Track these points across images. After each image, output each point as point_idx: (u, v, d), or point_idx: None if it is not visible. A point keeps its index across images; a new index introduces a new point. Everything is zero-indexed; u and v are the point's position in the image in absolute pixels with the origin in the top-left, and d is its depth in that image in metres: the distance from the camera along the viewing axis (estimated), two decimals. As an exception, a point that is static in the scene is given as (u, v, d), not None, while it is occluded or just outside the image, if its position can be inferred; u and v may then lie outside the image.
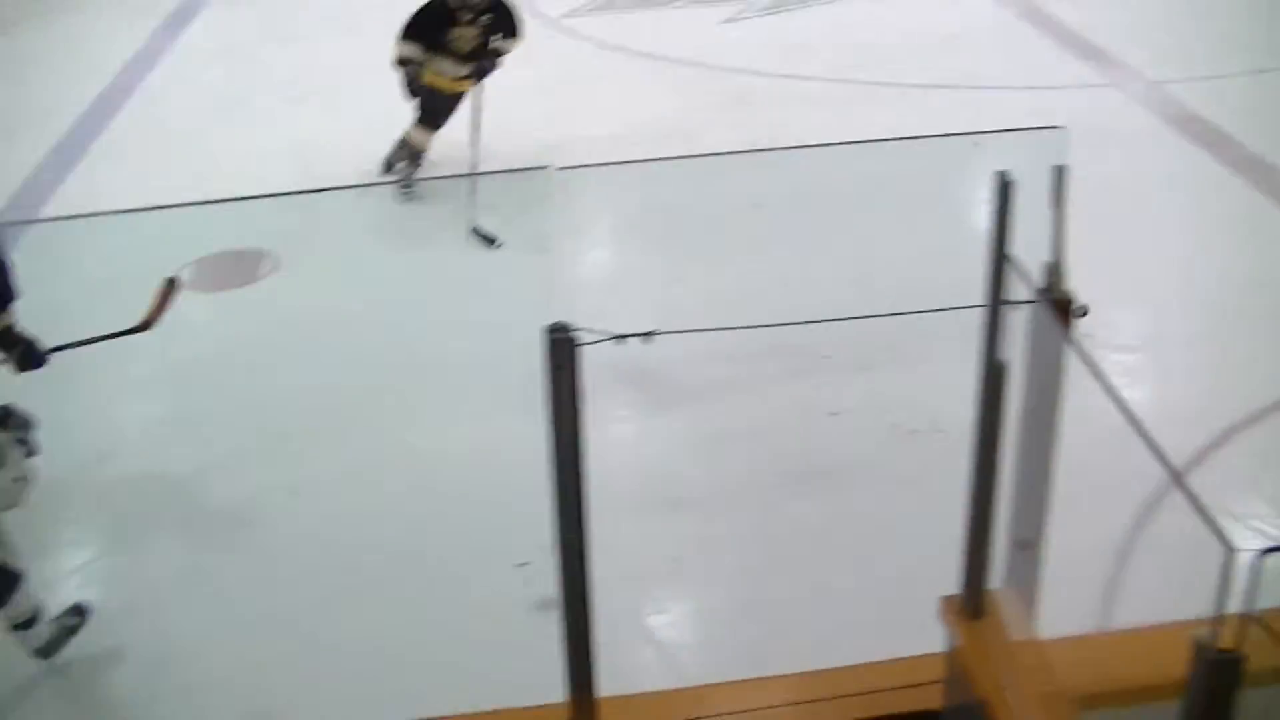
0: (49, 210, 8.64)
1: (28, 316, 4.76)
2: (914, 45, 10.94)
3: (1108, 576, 4.74)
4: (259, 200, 7.76)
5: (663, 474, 5.45)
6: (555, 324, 3.30)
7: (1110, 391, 2.66)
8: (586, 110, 9.83)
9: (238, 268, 7.53)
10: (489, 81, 7.73)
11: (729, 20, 11.65)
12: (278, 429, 5.94)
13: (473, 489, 5.36)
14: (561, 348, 2.94)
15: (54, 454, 4.53)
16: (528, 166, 3.36)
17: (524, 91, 10.15)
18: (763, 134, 8.59)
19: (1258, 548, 2.19)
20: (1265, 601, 2.23)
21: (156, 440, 6.07)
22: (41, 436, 4.30)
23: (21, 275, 4.65)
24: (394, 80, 7.68)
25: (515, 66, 10.78)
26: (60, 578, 5.02)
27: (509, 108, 9.87)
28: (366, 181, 7.87)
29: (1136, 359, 6.32)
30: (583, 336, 3.23)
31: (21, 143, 9.78)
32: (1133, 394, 5.97)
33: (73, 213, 8.25)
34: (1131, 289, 6.96)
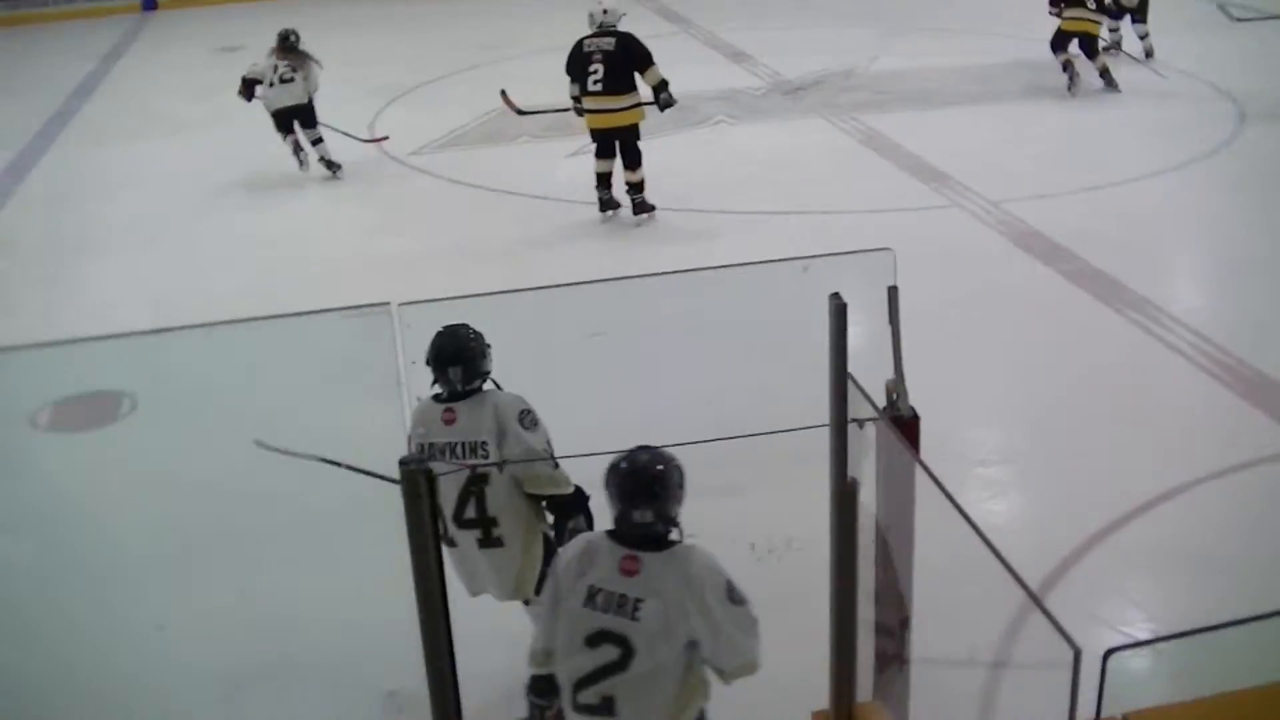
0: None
1: None
2: (764, 173, 11.16)
3: (976, 687, 4.68)
4: (113, 340, 7.61)
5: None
6: (408, 457, 3.25)
7: (953, 501, 2.61)
8: (432, 244, 9.91)
9: (96, 409, 7.47)
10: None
11: (575, 154, 11.74)
12: (138, 568, 5.79)
13: (339, 623, 5.22)
14: (416, 480, 2.88)
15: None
16: (367, 304, 3.25)
17: (374, 229, 10.21)
18: (603, 264, 8.62)
19: (1108, 647, 2.15)
20: (1142, 700, 2.20)
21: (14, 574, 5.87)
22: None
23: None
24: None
25: (362, 206, 10.87)
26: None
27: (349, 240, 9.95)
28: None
29: (996, 471, 6.35)
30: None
31: None
32: (996, 506, 6.09)
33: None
34: (987, 401, 7.06)
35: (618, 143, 9.87)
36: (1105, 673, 2.12)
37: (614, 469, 3.49)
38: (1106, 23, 13.83)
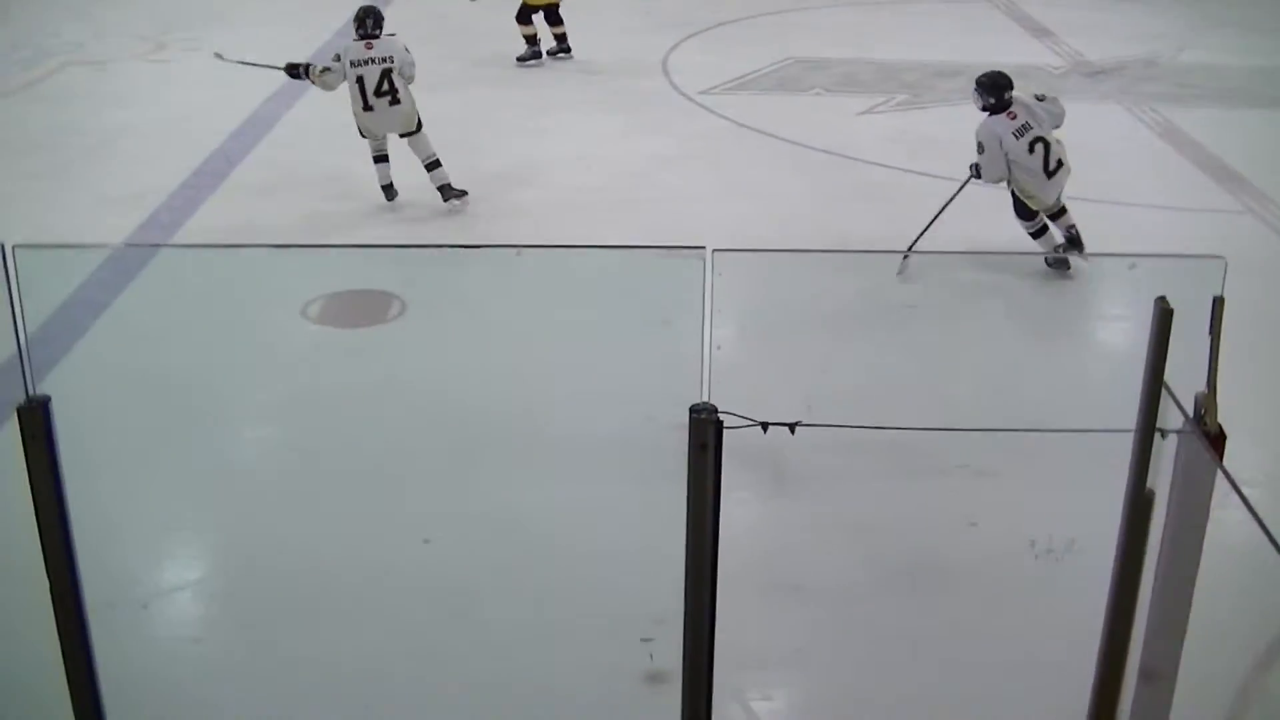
0: (185, 237, 8.93)
1: (149, 338, 4.74)
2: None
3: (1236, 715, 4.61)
4: (392, 249, 7.90)
5: (784, 559, 5.44)
6: (700, 404, 3.31)
7: (1264, 528, 2.62)
8: (723, 187, 9.97)
9: (365, 307, 7.71)
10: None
11: (865, 112, 11.70)
12: (396, 472, 5.94)
13: (594, 558, 5.31)
14: (705, 428, 2.96)
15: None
16: (683, 245, 3.38)
17: (666, 161, 10.35)
18: (894, 230, 8.61)
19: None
20: None
21: (279, 464, 6.18)
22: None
23: (144, 297, 4.64)
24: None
25: (655, 134, 11.02)
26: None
27: (653, 174, 10.12)
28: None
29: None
30: (727, 420, 3.24)
31: (165, 166, 10.14)
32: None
33: (210, 241, 8.48)
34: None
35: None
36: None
37: None
38: None
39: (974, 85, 8.43)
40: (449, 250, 7.78)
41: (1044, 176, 8.17)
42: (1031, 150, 8.13)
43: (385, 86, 9.16)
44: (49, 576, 3.57)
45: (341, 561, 5.37)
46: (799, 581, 5.29)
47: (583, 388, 6.34)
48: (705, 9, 15.75)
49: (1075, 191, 9.81)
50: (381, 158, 9.45)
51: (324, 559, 5.38)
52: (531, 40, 13.63)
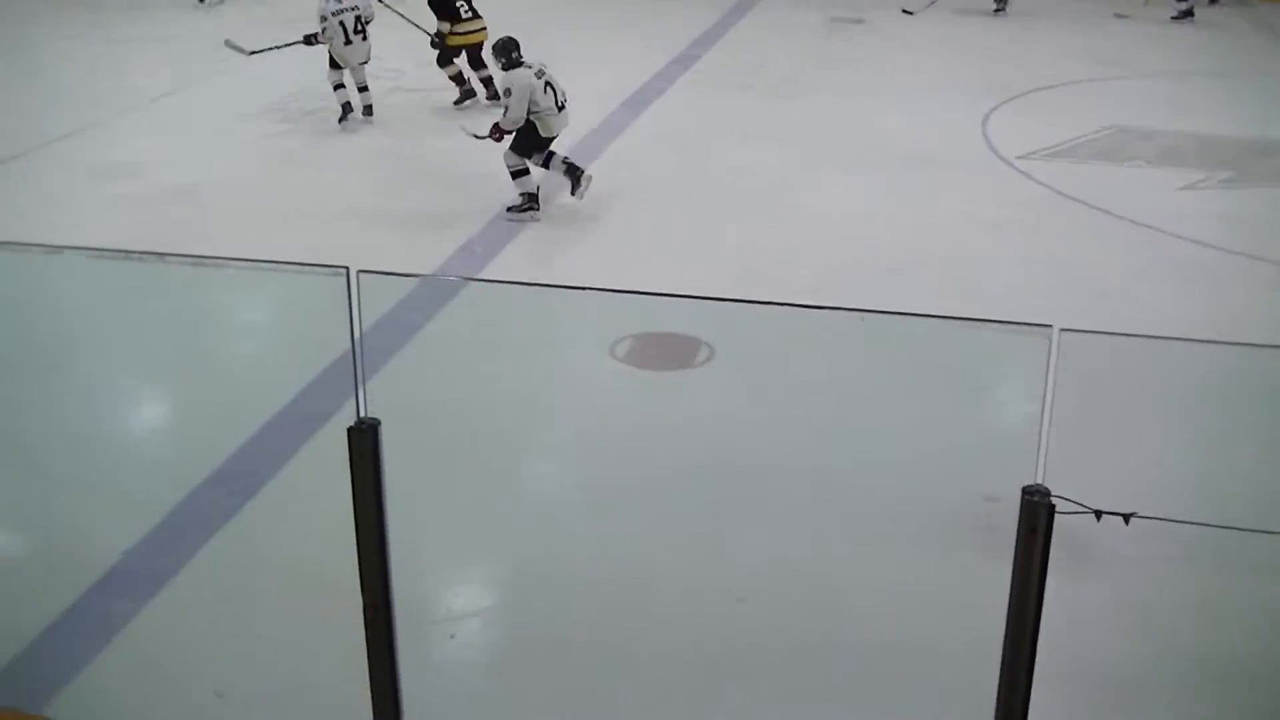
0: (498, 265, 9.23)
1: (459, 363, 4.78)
2: None
3: None
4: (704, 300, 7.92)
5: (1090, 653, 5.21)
6: (1033, 486, 3.21)
7: None
8: (1043, 256, 9.79)
9: (673, 350, 7.77)
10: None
11: (1186, 188, 11.29)
12: (704, 524, 5.87)
13: (902, 636, 5.16)
14: (1037, 511, 2.88)
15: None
16: (1028, 322, 3.29)
17: (986, 226, 10.24)
18: (1224, 315, 8.30)
19: None
20: None
21: (572, 508, 6.24)
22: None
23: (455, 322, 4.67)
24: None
25: (971, 198, 10.86)
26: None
27: (968, 238, 10.01)
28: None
29: None
30: (1060, 505, 3.14)
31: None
32: None
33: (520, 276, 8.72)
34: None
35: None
36: None
37: None
38: None
39: None
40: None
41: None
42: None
43: (357, 26, 12.72)
44: (363, 592, 3.69)
45: (649, 609, 5.40)
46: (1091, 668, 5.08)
47: (904, 456, 6.23)
48: (1019, 76, 15.50)
49: None
50: (341, 85, 12.93)
51: (632, 604, 5.41)
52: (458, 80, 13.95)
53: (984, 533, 5.27)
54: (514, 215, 10.29)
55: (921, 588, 5.32)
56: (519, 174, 10.28)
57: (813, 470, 6.20)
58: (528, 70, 10.09)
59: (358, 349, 3.53)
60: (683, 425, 6.84)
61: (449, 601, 5.53)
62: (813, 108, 13.99)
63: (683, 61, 16.00)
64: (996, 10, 19.37)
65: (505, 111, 10.12)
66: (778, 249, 9.68)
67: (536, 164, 10.31)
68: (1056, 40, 17.80)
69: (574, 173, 10.33)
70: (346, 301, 3.42)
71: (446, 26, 13.55)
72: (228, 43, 13.21)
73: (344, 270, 3.33)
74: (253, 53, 13.16)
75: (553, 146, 10.34)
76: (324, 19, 12.64)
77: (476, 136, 10.40)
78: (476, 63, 13.79)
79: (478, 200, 10.58)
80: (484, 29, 13.57)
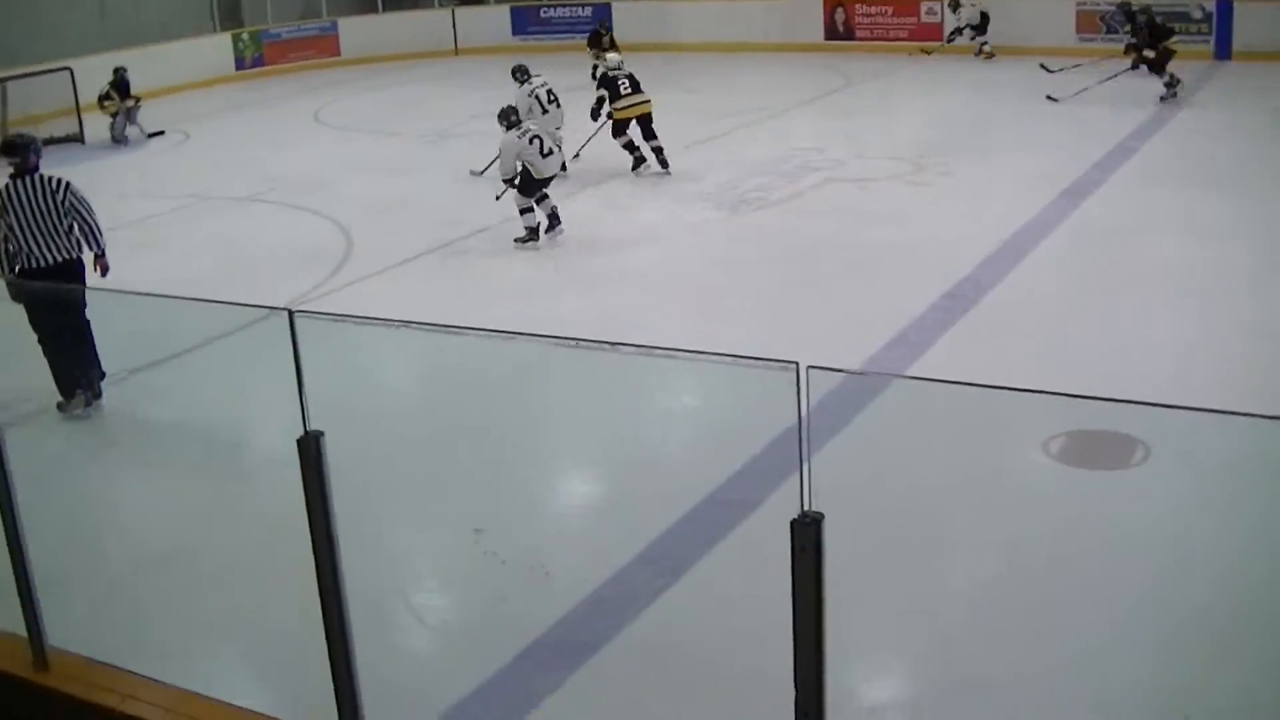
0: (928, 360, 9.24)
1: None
2: None
3: None
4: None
5: None
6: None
7: None
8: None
9: (1109, 449, 7.55)
10: None
11: None
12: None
13: None
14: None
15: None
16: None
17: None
18: None
19: None
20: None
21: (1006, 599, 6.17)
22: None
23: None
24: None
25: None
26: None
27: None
28: None
29: None
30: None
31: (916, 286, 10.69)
32: None
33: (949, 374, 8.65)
34: None
35: None
36: None
37: None
38: None
39: None
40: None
41: None
42: None
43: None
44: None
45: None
46: None
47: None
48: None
49: None
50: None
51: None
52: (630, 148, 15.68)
53: None
54: (520, 245, 12.74)
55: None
56: (524, 211, 12.72)
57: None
58: (514, 133, 12.67)
59: (804, 443, 3.54)
60: (1125, 527, 6.63)
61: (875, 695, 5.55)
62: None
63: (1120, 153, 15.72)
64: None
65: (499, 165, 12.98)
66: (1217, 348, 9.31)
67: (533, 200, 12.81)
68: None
69: (552, 223, 12.82)
70: (795, 394, 3.47)
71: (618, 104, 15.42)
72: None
73: (793, 365, 3.42)
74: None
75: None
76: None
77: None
78: (648, 133, 15.51)
79: (900, 291, 10.72)
80: (647, 101, 15.42)
